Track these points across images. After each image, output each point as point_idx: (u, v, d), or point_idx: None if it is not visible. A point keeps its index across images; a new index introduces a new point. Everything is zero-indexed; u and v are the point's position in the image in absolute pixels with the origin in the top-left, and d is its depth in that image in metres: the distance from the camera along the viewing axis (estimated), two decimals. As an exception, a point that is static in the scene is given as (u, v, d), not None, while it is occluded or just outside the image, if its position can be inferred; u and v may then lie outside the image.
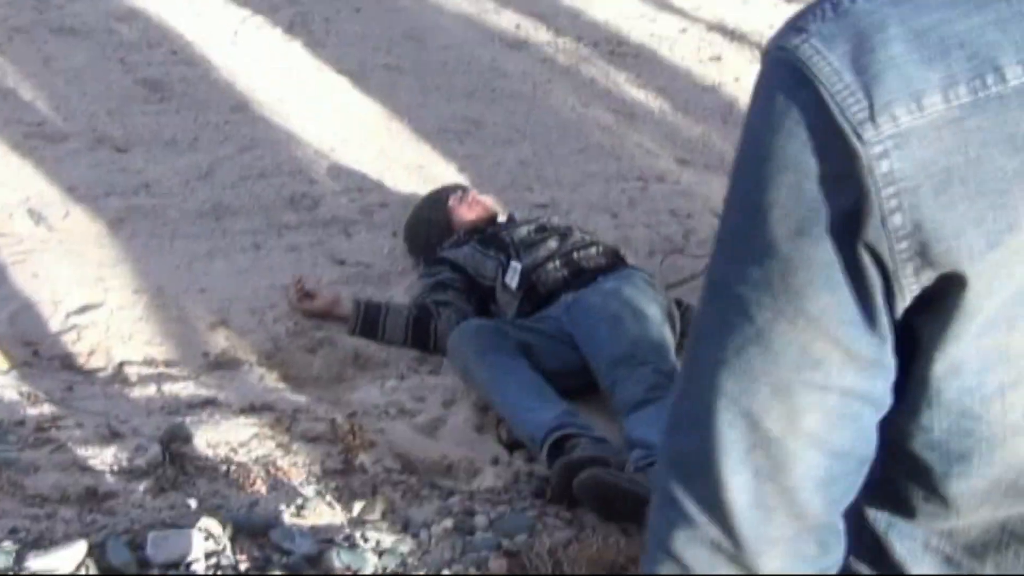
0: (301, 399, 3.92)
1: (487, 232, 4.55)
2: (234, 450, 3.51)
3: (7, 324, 4.15)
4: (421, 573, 3.01)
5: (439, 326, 4.27)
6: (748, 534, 1.14)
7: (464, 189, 4.87)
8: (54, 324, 4.19)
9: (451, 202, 4.72)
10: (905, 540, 1.21)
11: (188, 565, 2.87)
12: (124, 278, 4.47)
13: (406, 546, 3.11)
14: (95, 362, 4.08)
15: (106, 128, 5.33)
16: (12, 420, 3.58)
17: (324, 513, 3.22)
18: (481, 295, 4.39)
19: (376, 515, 3.25)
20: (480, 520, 3.28)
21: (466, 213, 4.67)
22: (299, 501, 3.24)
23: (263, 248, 4.67)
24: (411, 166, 5.39)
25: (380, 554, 3.05)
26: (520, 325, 4.17)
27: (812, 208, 1.05)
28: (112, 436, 3.51)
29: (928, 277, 1.04)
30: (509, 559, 3.08)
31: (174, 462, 3.38)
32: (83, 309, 4.28)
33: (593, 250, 4.46)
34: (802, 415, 1.09)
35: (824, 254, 1.05)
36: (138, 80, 5.75)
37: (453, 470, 3.63)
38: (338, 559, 2.98)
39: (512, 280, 4.34)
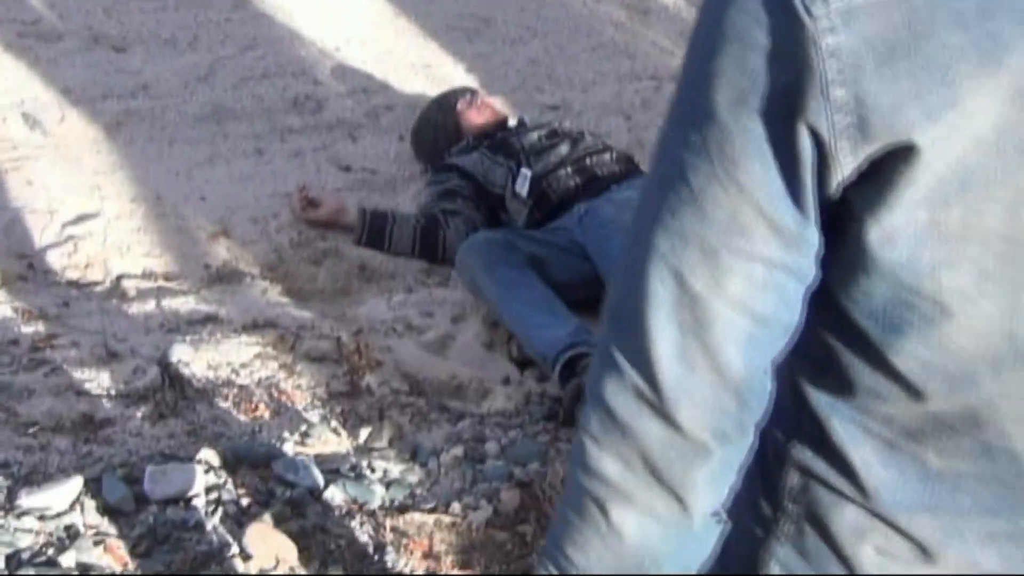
0: (305, 315, 3.79)
1: (497, 137, 4.40)
2: (236, 371, 3.39)
3: (1, 236, 4.01)
4: (430, 506, 2.90)
5: (448, 236, 4.14)
6: (670, 385, 1.21)
7: (473, 92, 4.72)
8: (49, 235, 4.05)
9: (459, 106, 4.57)
10: (846, 424, 1.28)
11: (188, 501, 2.76)
12: (121, 186, 4.32)
13: (414, 476, 3.00)
14: (92, 275, 3.94)
15: (103, 27, 5.16)
16: (5, 339, 3.46)
17: (329, 440, 3.10)
18: (490, 203, 4.25)
19: (383, 442, 3.14)
20: (491, 447, 3.18)
21: (475, 117, 4.53)
22: (303, 427, 3.13)
23: (265, 153, 4.53)
24: (418, 66, 5.23)
25: (388, 485, 2.94)
26: (531, 236, 4.03)
27: (754, 80, 1.10)
28: (109, 357, 3.38)
29: (866, 151, 1.08)
30: (521, 490, 2.97)
31: (173, 385, 3.26)
32: (79, 219, 4.14)
33: (607, 156, 4.33)
34: (727, 278, 1.16)
35: (760, 127, 1.11)
36: (136, -28, 5.58)
37: (463, 391, 3.51)
38: (344, 492, 2.87)
39: (522, 188, 4.20)
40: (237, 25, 5.32)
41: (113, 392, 3.21)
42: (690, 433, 1.22)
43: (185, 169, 4.41)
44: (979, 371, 1.21)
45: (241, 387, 3.30)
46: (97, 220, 4.14)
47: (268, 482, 2.86)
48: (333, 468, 2.96)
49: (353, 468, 2.98)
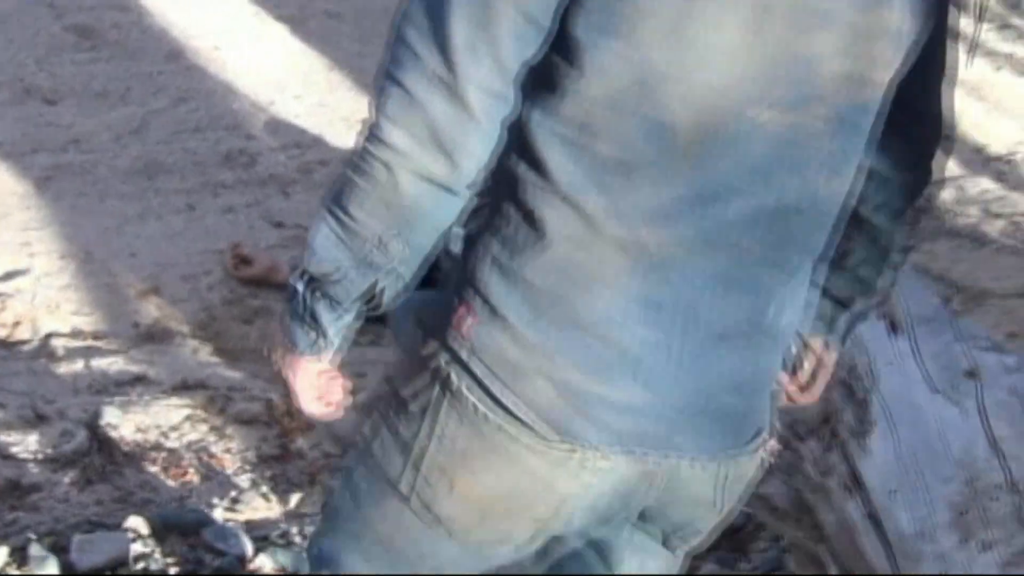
0: (236, 375, 3.75)
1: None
2: (165, 434, 3.36)
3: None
4: (360, 574, 2.87)
5: (380, 295, 4.10)
6: (461, 69, 1.54)
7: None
8: (-24, 291, 4.00)
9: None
10: (541, 130, 1.61)
11: (114, 571, 2.72)
12: (51, 242, 4.27)
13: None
14: (20, 334, 3.88)
15: (34, 79, 5.11)
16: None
17: (259, 506, 3.08)
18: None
19: (314, 507, 3.11)
20: (418, 505, 3.16)
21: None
22: (233, 493, 3.10)
23: (197, 209, 4.49)
24: (351, 120, 5.20)
25: (319, 552, 2.91)
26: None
27: None
28: (37, 419, 3.34)
29: None
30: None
31: (101, 449, 3.23)
32: (7, 276, 4.08)
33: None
34: None
35: None
36: (68, 26, 5.53)
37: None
38: (273, 559, 2.84)
39: (455, 246, 4.18)
40: (169, 77, 5.29)
41: (40, 456, 3.17)
42: (473, 109, 1.54)
43: (116, 225, 4.36)
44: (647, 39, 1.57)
45: (170, 451, 3.27)
46: (26, 277, 4.09)
47: (197, 550, 2.83)
48: (263, 535, 2.93)
49: (283, 535, 2.95)
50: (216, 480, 3.16)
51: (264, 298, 4.16)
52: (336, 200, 1.64)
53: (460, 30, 1.53)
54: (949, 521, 2.27)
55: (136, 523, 2.84)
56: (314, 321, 1.74)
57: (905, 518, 2.34)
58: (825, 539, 2.51)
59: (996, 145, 6.20)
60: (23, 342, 3.84)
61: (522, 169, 1.63)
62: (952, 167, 5.90)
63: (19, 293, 4.01)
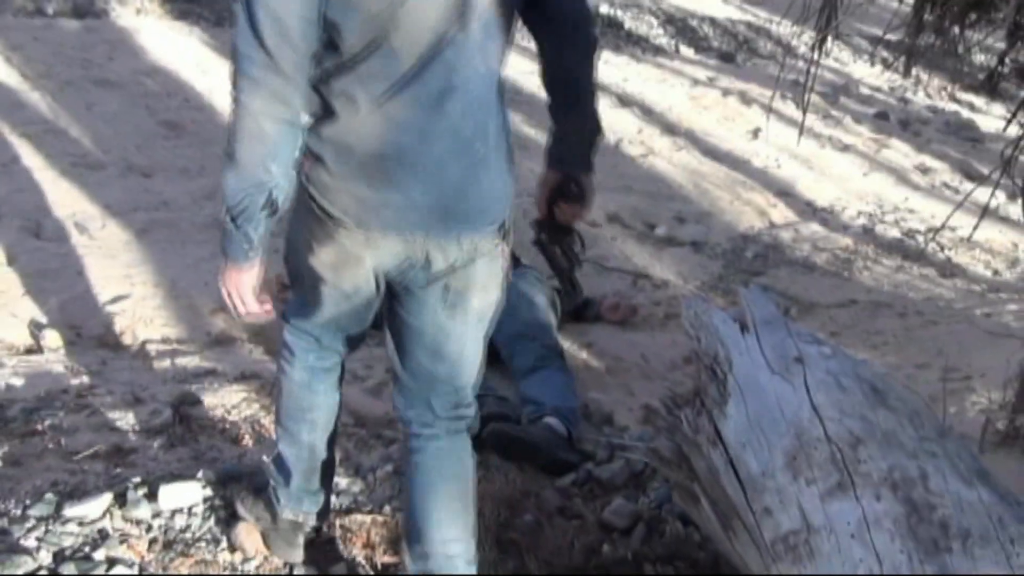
0: (280, 368, 3.72)
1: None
2: (228, 411, 3.31)
3: (58, 312, 3.90)
4: (368, 508, 2.85)
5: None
6: (276, 58, 1.91)
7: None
8: (93, 311, 3.95)
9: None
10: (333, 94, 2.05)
11: (190, 509, 2.68)
12: (146, 275, 4.22)
13: (357, 487, 2.94)
14: (124, 340, 3.84)
15: (134, 159, 5.07)
16: (57, 388, 3.35)
17: (295, 461, 3.03)
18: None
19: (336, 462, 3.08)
20: (413, 463, 3.12)
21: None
22: (275, 451, 3.06)
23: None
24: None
25: (337, 494, 2.87)
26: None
27: None
28: (135, 401, 3.29)
29: None
30: (435, 496, 2.92)
31: (182, 422, 3.18)
32: (115, 299, 4.03)
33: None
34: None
35: None
36: (159, 121, 5.50)
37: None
38: (306, 498, 2.81)
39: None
40: (233, 157, 5.26)
41: (137, 428, 3.12)
42: (290, 77, 1.93)
43: (194, 263, 4.32)
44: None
45: (232, 423, 3.23)
46: (128, 300, 4.04)
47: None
48: (298, 482, 2.90)
49: (313, 482, 2.91)
50: (264, 443, 3.12)
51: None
52: (228, 154, 2.03)
53: (269, 37, 1.90)
54: (784, 464, 2.27)
55: (207, 475, 2.80)
56: (243, 237, 2.12)
57: (753, 463, 2.33)
58: (698, 479, 2.50)
59: (821, 200, 6.25)
60: (126, 346, 3.80)
61: (323, 89, 2.02)
62: (791, 215, 5.95)
63: (123, 311, 3.97)
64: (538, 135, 6.24)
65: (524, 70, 7.11)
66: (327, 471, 2.58)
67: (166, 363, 3.68)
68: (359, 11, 1.96)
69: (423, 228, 2.12)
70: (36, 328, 3.78)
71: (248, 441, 3.13)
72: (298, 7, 1.92)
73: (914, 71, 8.66)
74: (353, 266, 2.19)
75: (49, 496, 2.64)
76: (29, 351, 3.69)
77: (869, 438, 2.27)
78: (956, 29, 3.80)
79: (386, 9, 1.96)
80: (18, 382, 3.34)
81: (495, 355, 3.86)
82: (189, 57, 6.25)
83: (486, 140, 2.14)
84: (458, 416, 2.39)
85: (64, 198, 4.62)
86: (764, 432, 2.36)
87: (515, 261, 4.27)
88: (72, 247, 4.29)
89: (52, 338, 3.74)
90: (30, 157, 4.87)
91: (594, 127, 2.39)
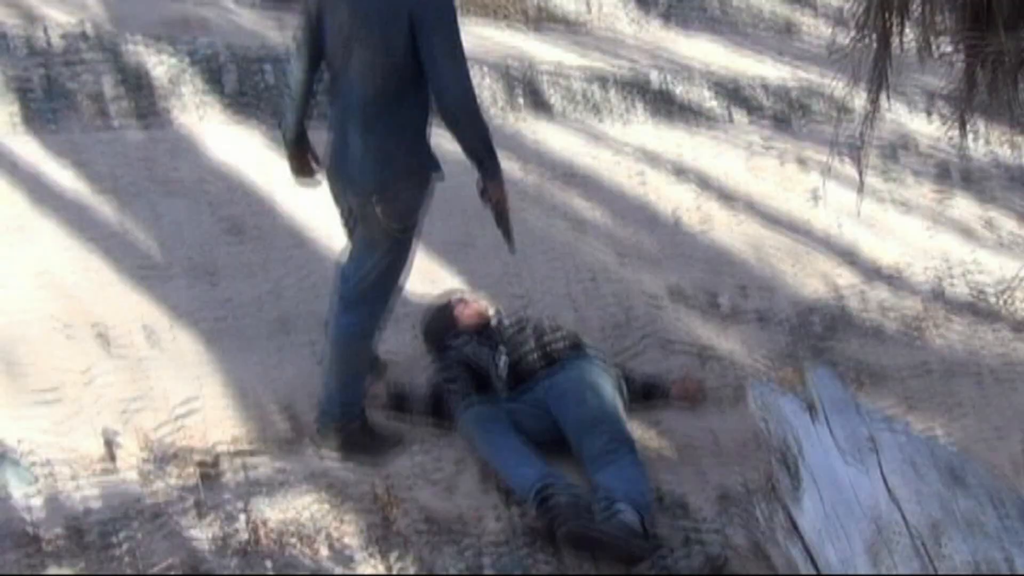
0: (349, 470, 3.74)
1: (483, 330, 4.39)
2: (299, 514, 3.33)
3: (130, 421, 3.96)
4: (444, 612, 2.84)
5: (449, 404, 4.11)
6: (300, 53, 3.73)
7: (463, 297, 4.72)
8: (164, 419, 4.00)
9: (455, 308, 4.57)
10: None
11: (266, 622, 2.70)
12: (215, 377, 4.28)
13: (432, 590, 2.94)
14: (195, 443, 3.89)
15: (200, 262, 5.15)
16: (132, 501, 3.39)
17: (368, 566, 3.05)
18: (480, 379, 4.20)
19: (408, 565, 3.08)
20: (487, 562, 3.13)
21: (466, 315, 4.51)
22: (349, 559, 3.07)
23: (318, 354, 4.47)
24: (424, 276, 5.22)
25: (412, 598, 2.88)
26: (509, 402, 4.00)
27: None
28: (209, 512, 3.32)
29: None
30: (510, 596, 2.91)
31: (255, 529, 3.20)
32: (186, 401, 4.09)
33: (560, 338, 4.33)
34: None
35: None
36: (223, 224, 5.59)
37: (465, 521, 3.45)
38: (381, 606, 2.81)
39: (503, 368, 4.18)
40: (296, 258, 5.30)
41: (212, 542, 3.15)
42: (307, 60, 3.79)
43: (261, 365, 4.36)
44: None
45: (305, 529, 3.25)
46: (198, 402, 4.09)
47: (325, 603, 2.80)
48: (372, 589, 2.90)
49: (387, 587, 2.92)
50: (337, 550, 3.13)
51: (368, 410, 4.16)
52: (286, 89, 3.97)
53: (299, 43, 3.71)
54: (863, 554, 2.23)
55: (282, 587, 2.81)
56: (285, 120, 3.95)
57: (832, 554, 2.30)
58: (776, 573, 2.47)
59: (886, 261, 6.18)
60: (197, 450, 3.85)
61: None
62: (856, 279, 5.88)
63: (193, 413, 4.03)
64: (594, 212, 6.27)
65: (578, 151, 7.19)
66: None
67: (238, 469, 3.72)
68: (327, 30, 3.57)
69: (349, 179, 3.76)
70: (109, 439, 3.84)
71: (320, 547, 3.14)
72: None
73: (972, 124, 8.57)
74: (334, 195, 4.04)
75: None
76: (103, 462, 3.74)
77: (950, 524, 2.23)
78: (1009, 87, 3.78)
79: (331, 37, 3.58)
80: (94, 498, 3.39)
81: (564, 445, 3.86)
82: (250, 157, 6.37)
83: (387, 125, 3.56)
84: None
85: (133, 306, 4.71)
86: (841, 522, 2.33)
87: (578, 347, 4.29)
88: (142, 355, 4.37)
89: (126, 449, 3.80)
90: (99, 268, 4.98)
91: (478, 155, 3.55)
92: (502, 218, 3.74)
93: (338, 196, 3.89)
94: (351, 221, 3.96)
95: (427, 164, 3.67)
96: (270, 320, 4.73)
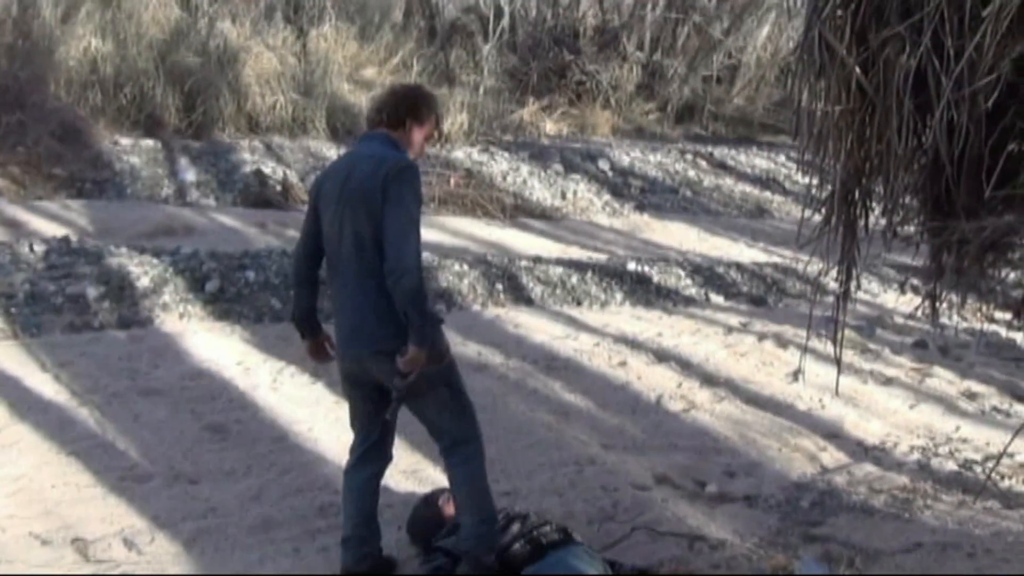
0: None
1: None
2: None
3: (108, 635, 3.85)
4: None
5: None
6: (301, 245, 4.17)
7: (448, 492, 4.66)
8: (144, 632, 3.89)
9: (440, 503, 4.51)
10: None
11: None
12: (197, 586, 4.19)
13: None
14: (176, 659, 3.77)
15: (181, 466, 5.11)
16: None
17: None
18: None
19: None
20: None
21: (451, 511, 4.45)
22: None
23: (301, 551, 4.41)
24: (407, 472, 5.19)
25: None
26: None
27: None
28: None
29: None
30: None
31: None
32: (166, 615, 3.99)
33: (547, 529, 4.27)
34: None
35: None
36: (204, 425, 5.58)
37: None
38: None
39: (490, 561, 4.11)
40: (278, 455, 5.28)
41: None
42: (312, 252, 4.08)
43: (243, 567, 4.28)
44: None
45: None
46: (179, 615, 4.00)
47: None
48: None
49: None
50: None
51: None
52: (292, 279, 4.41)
53: (303, 232, 4.08)
54: None
55: None
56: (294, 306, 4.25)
57: None
58: None
59: (871, 438, 6.18)
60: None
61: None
62: (842, 457, 5.86)
63: (174, 628, 3.92)
64: (576, 399, 6.27)
65: (559, 338, 7.25)
66: None
67: None
68: (322, 216, 4.00)
69: (350, 350, 4.04)
70: (87, 655, 3.73)
71: None
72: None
73: (945, 297, 8.70)
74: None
75: None
76: None
77: None
78: (975, 270, 3.87)
79: (326, 223, 3.98)
80: None
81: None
82: (231, 357, 6.41)
83: (368, 298, 3.87)
84: None
85: (112, 514, 4.64)
86: None
87: (567, 537, 4.23)
88: (122, 565, 4.27)
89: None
90: (78, 474, 4.93)
91: (412, 321, 3.72)
92: (404, 383, 3.84)
93: (351, 366, 4.04)
94: (363, 397, 4.15)
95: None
96: (252, 522, 4.64)
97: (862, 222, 3.96)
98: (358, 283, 3.87)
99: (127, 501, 4.75)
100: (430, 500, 4.57)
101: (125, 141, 11.25)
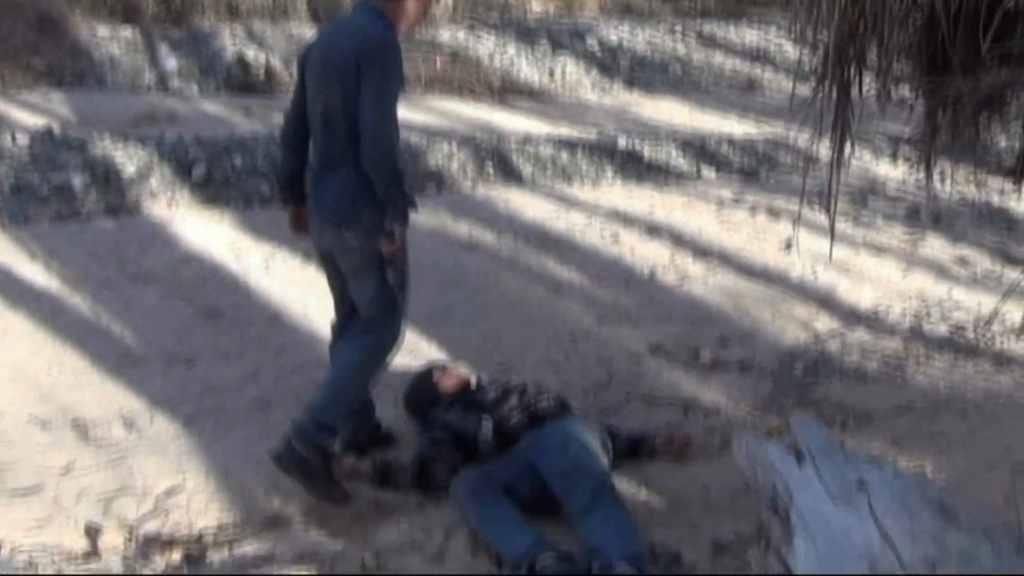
0: (338, 545, 3.67)
1: (465, 397, 4.36)
2: (290, 599, 3.26)
3: (113, 512, 3.89)
4: None
5: (435, 474, 4.05)
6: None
7: (444, 365, 4.69)
8: (147, 507, 3.93)
9: (435, 376, 4.53)
10: None
11: None
12: (198, 464, 4.22)
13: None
14: (180, 533, 3.82)
15: (176, 349, 5.12)
16: (117, 595, 3.32)
17: (362, 641, 2.97)
18: (465, 445, 4.16)
19: (401, 637, 3.01)
20: (481, 630, 3.06)
21: (447, 384, 4.48)
22: None
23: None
24: (403, 349, 5.18)
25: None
26: (499, 467, 3.93)
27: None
28: (196, 599, 3.25)
29: None
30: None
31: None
32: (168, 493, 4.02)
33: (544, 400, 4.29)
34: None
35: None
36: (197, 309, 5.57)
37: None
38: None
39: (487, 433, 4.14)
40: (272, 337, 5.29)
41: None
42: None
43: (243, 447, 4.31)
44: None
45: (294, 609, 3.18)
46: (182, 493, 4.03)
47: None
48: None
49: (381, 664, 2.84)
50: (328, 628, 3.06)
51: (352, 485, 4.09)
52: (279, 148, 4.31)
53: (291, 102, 4.01)
54: (861, 596, 2.19)
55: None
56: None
57: (829, 598, 2.26)
58: (773, 619, 2.42)
59: (864, 305, 6.19)
60: (182, 538, 3.77)
61: None
62: (834, 324, 5.89)
63: (177, 504, 3.96)
64: (570, 275, 6.26)
65: (551, 216, 7.21)
66: None
67: (223, 552, 3.64)
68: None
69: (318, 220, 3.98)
70: (93, 531, 3.77)
71: (312, 628, 3.07)
72: None
73: (937, 165, 8.66)
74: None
75: None
76: (87, 556, 3.67)
77: (945, 561, 2.20)
78: (970, 129, 3.82)
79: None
80: (77, 592, 3.32)
81: (551, 499, 3.81)
82: (221, 242, 6.38)
83: (334, 166, 3.82)
84: None
85: (110, 396, 4.66)
86: (835, 565, 2.29)
87: (563, 406, 4.26)
88: (122, 445, 4.31)
89: (109, 539, 3.73)
90: (73, 360, 4.94)
91: (390, 198, 3.69)
92: (391, 263, 3.87)
93: (317, 239, 4.03)
94: (335, 273, 4.08)
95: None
96: (249, 401, 4.67)
97: (856, 87, 3.90)
98: (326, 157, 3.84)
99: (124, 384, 4.77)
100: (425, 375, 4.59)
101: (103, 30, 11.00)
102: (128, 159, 7.19)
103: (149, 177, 7.10)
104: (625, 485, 4.01)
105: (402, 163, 3.76)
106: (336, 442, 3.94)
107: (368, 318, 4.00)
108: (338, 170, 3.79)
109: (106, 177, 7.01)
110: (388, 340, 4.03)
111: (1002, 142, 7.22)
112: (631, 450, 4.33)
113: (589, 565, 3.39)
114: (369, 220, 3.77)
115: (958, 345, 5.58)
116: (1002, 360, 5.35)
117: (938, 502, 2.33)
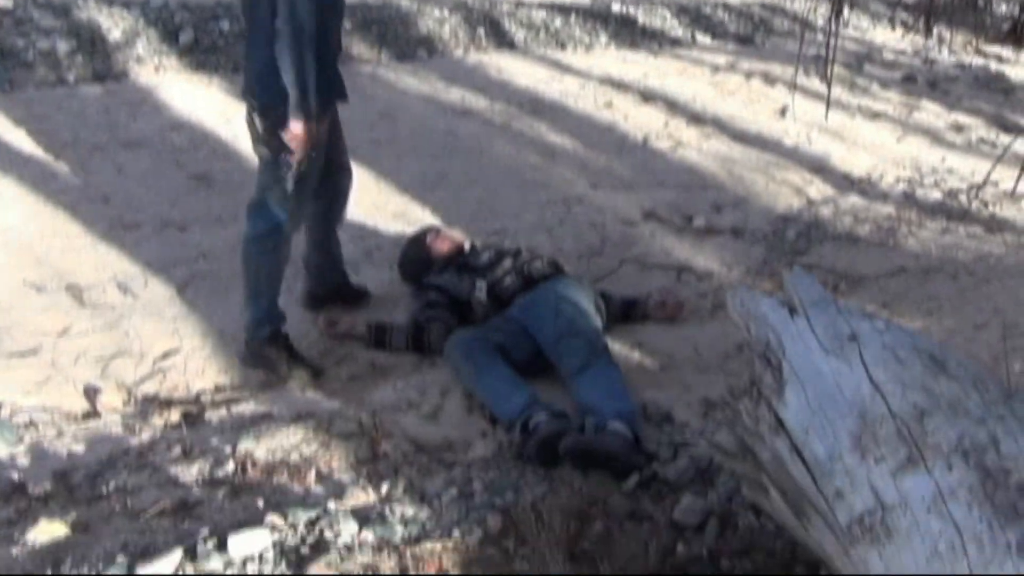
0: (335, 404, 3.72)
1: (459, 261, 4.37)
2: (287, 452, 3.31)
3: (111, 374, 3.93)
4: (437, 535, 2.83)
5: (431, 336, 4.09)
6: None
7: (437, 229, 4.69)
8: (144, 369, 3.97)
9: (428, 240, 4.54)
10: None
11: (261, 555, 2.68)
12: (194, 327, 4.25)
13: (424, 514, 2.92)
14: (177, 394, 3.87)
15: (169, 214, 5.11)
16: (119, 451, 3.36)
17: (360, 496, 3.02)
18: (460, 307, 4.20)
19: (399, 491, 3.07)
20: (477, 485, 3.11)
21: (441, 248, 4.49)
22: (340, 489, 3.05)
23: (293, 291, 4.46)
24: (396, 214, 5.20)
25: (405, 523, 2.86)
26: (493, 329, 3.97)
27: None
28: (196, 454, 3.30)
29: None
30: (503, 515, 2.90)
31: (244, 469, 3.18)
32: (165, 355, 4.06)
33: (538, 263, 4.31)
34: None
35: None
36: (189, 175, 5.54)
37: (453, 446, 3.44)
38: (373, 533, 2.79)
39: (481, 295, 4.17)
40: (265, 201, 5.27)
41: (201, 481, 3.12)
42: None
43: (238, 309, 4.33)
44: None
45: (293, 464, 3.23)
46: (179, 355, 4.07)
47: (319, 533, 2.78)
48: (365, 516, 2.88)
49: (379, 514, 2.90)
50: (327, 481, 3.11)
51: (348, 347, 4.14)
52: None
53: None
54: (850, 445, 2.23)
55: (273, 519, 2.79)
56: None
57: (819, 447, 2.29)
58: (765, 470, 2.46)
59: (857, 171, 6.17)
60: (180, 400, 3.82)
61: None
62: (828, 190, 5.88)
63: (174, 367, 4.00)
64: (563, 141, 6.21)
65: (544, 82, 7.12)
66: None
67: (221, 412, 3.69)
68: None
69: None
70: (91, 392, 3.81)
71: (310, 480, 3.13)
72: None
73: (936, 30, 8.54)
74: None
75: (120, 559, 2.64)
76: (87, 416, 3.72)
77: (934, 409, 2.22)
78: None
79: None
80: (79, 448, 3.36)
81: (544, 361, 3.85)
82: (211, 107, 6.30)
83: (256, 49, 3.65)
84: None
85: (104, 261, 4.66)
86: (826, 415, 2.32)
87: (558, 269, 4.28)
88: (117, 308, 4.33)
89: (108, 400, 3.77)
90: (66, 225, 4.92)
91: (290, 87, 3.60)
92: (288, 152, 3.75)
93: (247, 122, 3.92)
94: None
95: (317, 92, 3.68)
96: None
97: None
98: (250, 34, 3.75)
99: (117, 249, 4.77)
100: (418, 238, 4.59)
101: None
102: (114, 24, 7.06)
103: (135, 42, 6.97)
104: (618, 347, 4.05)
105: (299, 49, 3.58)
106: (283, 324, 4.02)
107: (259, 189, 3.92)
108: (260, 47, 3.63)
109: (91, 42, 6.89)
110: (280, 222, 3.91)
111: (1002, 7, 7.08)
112: (624, 313, 4.36)
113: (582, 424, 3.44)
114: (270, 103, 3.69)
115: (950, 210, 5.58)
116: (993, 225, 5.36)
117: (929, 352, 2.35)
